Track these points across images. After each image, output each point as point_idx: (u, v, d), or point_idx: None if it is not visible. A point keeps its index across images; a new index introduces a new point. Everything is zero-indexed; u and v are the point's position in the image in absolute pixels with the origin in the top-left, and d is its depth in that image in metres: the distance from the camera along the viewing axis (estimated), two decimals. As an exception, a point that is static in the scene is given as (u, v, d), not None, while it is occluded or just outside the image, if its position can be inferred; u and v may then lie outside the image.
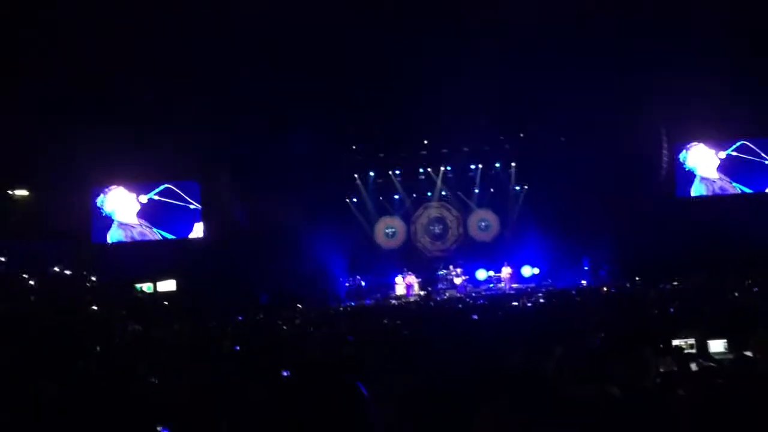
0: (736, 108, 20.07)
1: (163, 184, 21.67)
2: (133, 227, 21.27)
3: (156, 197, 21.29)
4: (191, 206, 21.26)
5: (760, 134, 22.04)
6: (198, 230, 21.46)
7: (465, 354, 5.91)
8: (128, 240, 21.35)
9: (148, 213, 21.49)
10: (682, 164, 22.13)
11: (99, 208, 21.39)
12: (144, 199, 21.38)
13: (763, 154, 21.49)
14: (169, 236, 21.44)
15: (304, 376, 6.02)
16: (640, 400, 4.89)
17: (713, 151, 22.01)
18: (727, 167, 21.90)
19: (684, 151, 22.00)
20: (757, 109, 20.27)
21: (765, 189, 21.80)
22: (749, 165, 21.65)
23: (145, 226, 21.33)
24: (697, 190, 21.99)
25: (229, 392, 5.35)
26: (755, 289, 12.63)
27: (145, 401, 5.11)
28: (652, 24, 18.31)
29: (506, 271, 21.97)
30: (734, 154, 21.74)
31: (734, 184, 21.83)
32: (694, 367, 6.38)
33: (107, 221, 21.45)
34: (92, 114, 18.36)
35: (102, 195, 21.25)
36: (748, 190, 21.82)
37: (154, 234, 21.33)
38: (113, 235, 21.30)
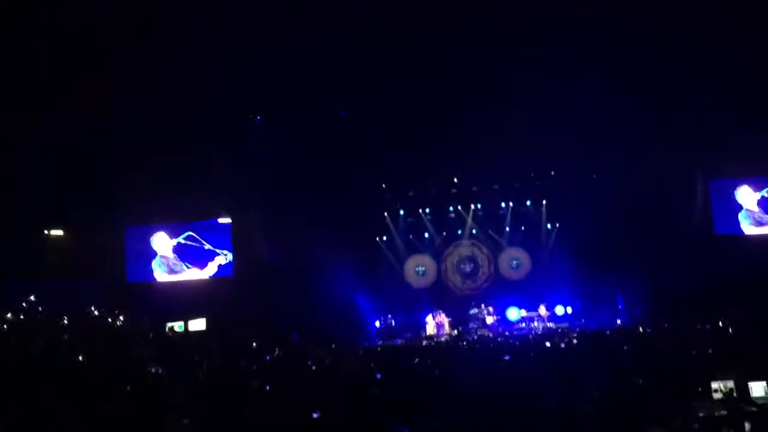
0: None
1: (195, 222, 22.05)
2: (169, 259, 21.74)
3: (183, 241, 21.75)
4: (206, 246, 21.71)
5: None
6: (212, 268, 21.75)
7: (498, 397, 5.81)
8: (166, 271, 21.67)
9: (177, 250, 21.94)
10: (719, 200, 21.74)
11: (138, 246, 21.76)
12: (174, 241, 21.81)
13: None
14: (193, 269, 21.69)
15: (334, 417, 5.98)
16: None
17: (751, 188, 21.75)
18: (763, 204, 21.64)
19: (736, 188, 21.72)
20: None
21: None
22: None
23: (177, 260, 21.72)
24: (743, 217, 21.60)
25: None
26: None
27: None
28: (686, 60, 18.19)
29: (543, 310, 21.66)
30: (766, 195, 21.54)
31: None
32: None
33: (144, 259, 21.75)
34: (127, 152, 18.74)
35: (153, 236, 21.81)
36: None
37: (182, 267, 21.68)
38: (156, 265, 21.78)
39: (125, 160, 18.52)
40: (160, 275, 21.81)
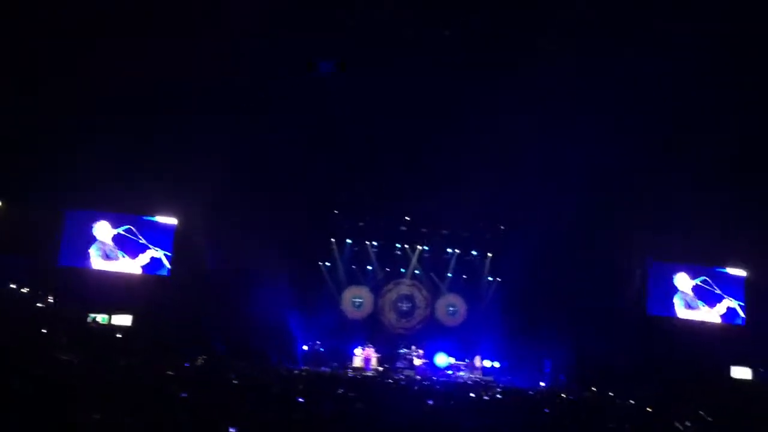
0: (707, 236, 20.76)
1: (137, 216, 21.52)
2: (107, 245, 21.19)
3: (122, 232, 21.30)
4: (140, 241, 21.21)
5: (723, 263, 22.83)
6: (143, 259, 21.29)
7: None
8: (101, 256, 21.03)
9: (116, 239, 21.43)
10: (656, 282, 22.53)
11: (76, 230, 21.16)
12: (114, 231, 21.31)
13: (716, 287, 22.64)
14: (126, 258, 21.19)
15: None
16: None
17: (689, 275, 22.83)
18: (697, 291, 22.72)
19: (674, 273, 22.77)
20: (722, 240, 21.01)
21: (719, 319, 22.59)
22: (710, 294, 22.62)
23: (114, 248, 21.23)
24: (678, 299, 22.56)
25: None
26: (709, 419, 12.55)
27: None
28: (636, 147, 18.91)
29: (479, 362, 21.80)
30: (699, 283, 22.68)
31: (700, 302, 22.63)
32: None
33: (81, 244, 21.10)
34: (77, 136, 18.32)
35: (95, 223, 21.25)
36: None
37: (117, 255, 21.13)
38: (93, 249, 21.14)
39: (74, 142, 18.12)
40: (96, 260, 21.13)
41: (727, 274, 22.68)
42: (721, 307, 22.37)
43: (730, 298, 22.46)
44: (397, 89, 18.09)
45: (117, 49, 16.47)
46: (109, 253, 21.20)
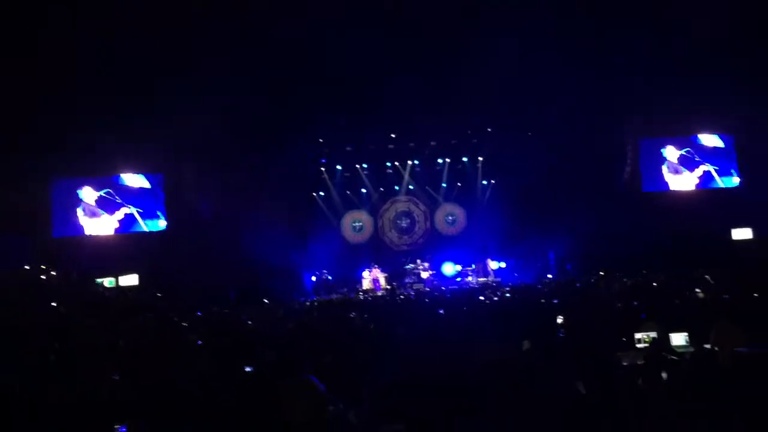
0: (693, 107, 20.77)
1: (116, 178, 21.71)
2: (89, 205, 21.47)
3: (103, 194, 21.57)
4: (117, 200, 21.54)
5: (715, 130, 23.19)
6: (119, 215, 21.61)
7: (433, 349, 5.92)
8: (87, 215, 21.29)
9: (99, 200, 21.69)
10: (647, 158, 22.77)
11: (64, 199, 21.24)
12: (97, 194, 21.51)
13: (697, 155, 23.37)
14: (104, 215, 21.53)
15: (270, 372, 5.97)
16: (603, 395, 4.94)
17: (675, 147, 23.35)
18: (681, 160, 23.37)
19: (663, 147, 23.27)
20: (711, 109, 21.06)
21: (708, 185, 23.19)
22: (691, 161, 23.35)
23: (96, 207, 21.53)
24: (665, 167, 23.19)
25: (193, 388, 5.26)
26: (712, 283, 12.87)
27: (106, 399, 5.00)
28: (618, 26, 18.55)
29: (491, 263, 22.13)
30: (683, 153, 23.27)
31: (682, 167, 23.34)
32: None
33: (71, 212, 21.20)
34: (55, 100, 17.98)
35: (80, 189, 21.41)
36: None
37: (99, 213, 21.48)
38: (79, 209, 21.39)
39: (53, 108, 17.81)
40: (83, 219, 21.36)
41: (703, 144, 23.27)
42: (699, 171, 23.08)
43: (707, 164, 23.07)
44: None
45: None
46: (93, 211, 21.50)
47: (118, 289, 18.98)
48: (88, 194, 21.46)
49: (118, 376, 6.22)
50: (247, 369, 6.25)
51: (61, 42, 16.85)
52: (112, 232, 21.46)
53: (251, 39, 17.96)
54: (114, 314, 13.05)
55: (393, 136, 23.54)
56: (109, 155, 20.66)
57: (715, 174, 23.04)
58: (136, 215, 21.63)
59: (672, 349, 7.11)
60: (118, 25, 16.74)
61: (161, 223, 21.72)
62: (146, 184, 21.84)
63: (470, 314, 10.55)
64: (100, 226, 21.43)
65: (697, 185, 23.04)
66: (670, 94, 19.91)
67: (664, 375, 5.71)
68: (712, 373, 4.80)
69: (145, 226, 21.63)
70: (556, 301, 11.59)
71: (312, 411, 2.20)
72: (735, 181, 22.98)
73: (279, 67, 19.08)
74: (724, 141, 23.12)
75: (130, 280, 19.68)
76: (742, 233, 21.01)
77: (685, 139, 23.20)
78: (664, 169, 23.07)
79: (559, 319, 8.53)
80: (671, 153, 23.10)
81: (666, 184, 23.06)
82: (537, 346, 5.99)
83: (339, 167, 24.02)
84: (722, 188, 22.96)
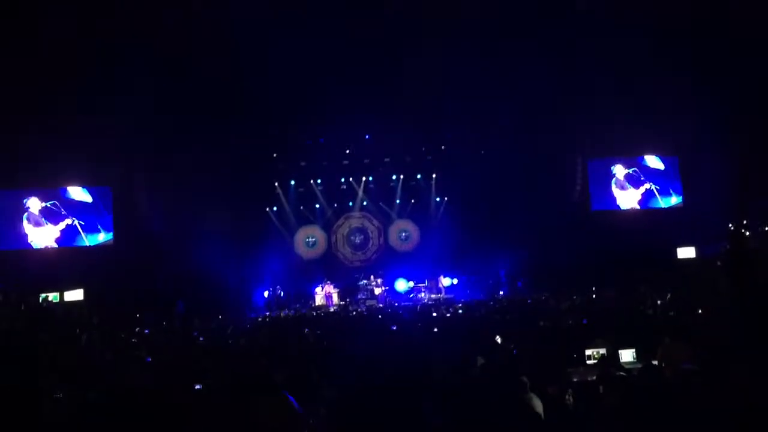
0: (641, 128, 21.49)
1: (62, 191, 21.34)
2: (34, 215, 21.12)
3: (48, 205, 21.29)
4: (62, 212, 21.28)
5: (659, 152, 24.01)
6: (61, 225, 21.27)
7: (388, 364, 5.90)
8: (32, 224, 20.94)
9: (43, 210, 21.34)
10: (595, 178, 23.51)
11: (8, 211, 20.87)
12: (42, 204, 21.23)
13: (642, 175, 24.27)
14: (48, 225, 21.22)
15: (223, 389, 5.86)
16: (556, 409, 5.00)
17: (624, 166, 24.16)
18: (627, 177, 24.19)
19: (612, 166, 24.05)
20: (656, 130, 21.89)
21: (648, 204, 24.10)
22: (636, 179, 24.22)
23: (41, 217, 21.21)
24: (613, 183, 23.96)
25: (143, 403, 5.12)
26: (659, 302, 13.20)
27: (52, 416, 4.83)
28: (572, 47, 19.04)
29: (443, 280, 22.26)
30: (630, 172, 24.13)
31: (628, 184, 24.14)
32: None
33: (16, 224, 20.81)
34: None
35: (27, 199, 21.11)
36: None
37: (43, 222, 21.17)
38: (24, 218, 21.09)
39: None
40: (27, 228, 20.98)
41: (648, 165, 24.17)
42: (642, 189, 23.97)
43: (650, 183, 23.99)
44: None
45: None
46: (38, 221, 21.14)
47: (63, 305, 18.39)
48: (35, 204, 21.08)
49: (61, 394, 6.02)
50: (197, 387, 6.12)
51: (8, 49, 16.47)
52: (53, 243, 21.01)
53: (207, 53, 17.79)
54: (58, 330, 12.68)
55: (348, 152, 23.56)
56: (56, 167, 20.27)
57: (656, 193, 23.95)
58: (78, 228, 21.27)
59: (621, 366, 7.26)
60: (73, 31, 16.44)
61: (101, 237, 21.34)
62: (88, 199, 21.50)
63: (424, 330, 10.57)
64: (43, 236, 21.00)
65: (639, 202, 23.89)
66: (618, 116, 20.56)
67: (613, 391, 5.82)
68: (659, 389, 4.91)
69: (86, 239, 21.22)
70: (507, 317, 11.72)
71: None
72: (673, 201, 23.90)
73: (234, 80, 18.95)
74: (665, 163, 24.04)
75: (76, 295, 19.09)
76: (686, 252, 21.62)
77: (632, 159, 23.95)
78: (613, 184, 23.85)
79: (498, 339, 8.61)
80: (619, 171, 23.95)
81: (615, 201, 23.71)
82: (491, 361, 6.03)
83: (293, 182, 23.88)
84: (668, 208, 23.74)
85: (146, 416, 4.16)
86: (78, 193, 21.43)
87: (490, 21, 17.88)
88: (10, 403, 4.46)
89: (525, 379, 5.14)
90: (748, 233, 19.88)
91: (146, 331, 14.28)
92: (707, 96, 18.82)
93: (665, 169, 24.03)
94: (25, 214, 20.93)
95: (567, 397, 5.82)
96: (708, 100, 18.96)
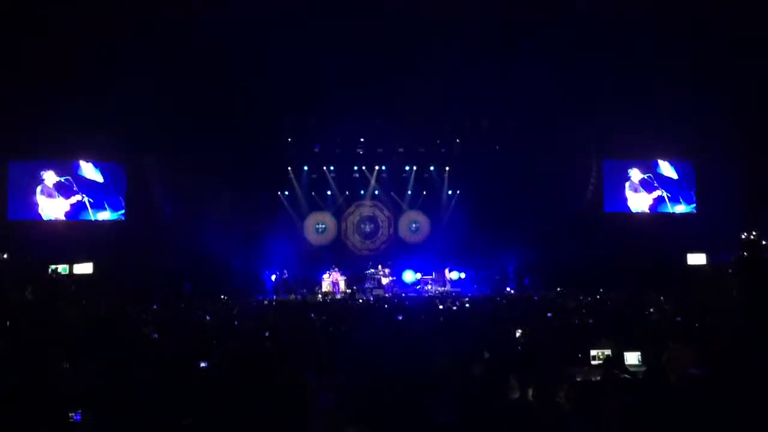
0: (656, 131, 21.33)
1: (76, 167, 21.45)
2: (49, 188, 21.24)
3: (62, 180, 21.42)
4: (74, 188, 21.42)
5: (674, 156, 24.02)
6: (72, 200, 21.42)
7: (390, 354, 5.91)
8: (45, 195, 21.06)
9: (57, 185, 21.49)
10: (610, 179, 23.54)
11: (22, 181, 20.90)
12: (57, 179, 21.32)
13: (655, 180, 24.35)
14: (60, 198, 21.36)
15: (226, 368, 5.90)
16: (555, 408, 4.99)
17: (640, 170, 24.14)
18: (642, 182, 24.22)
19: (628, 168, 24.02)
20: (672, 133, 21.74)
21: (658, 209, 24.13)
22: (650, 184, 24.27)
23: (53, 190, 21.31)
24: (627, 186, 23.94)
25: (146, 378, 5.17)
26: (666, 307, 13.13)
27: (57, 384, 4.88)
28: (589, 48, 18.88)
29: (449, 273, 22.24)
30: (645, 177, 24.14)
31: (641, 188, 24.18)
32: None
33: (29, 195, 20.86)
34: (18, 81, 17.63)
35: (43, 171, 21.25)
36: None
37: (56, 195, 21.30)
38: (38, 190, 21.17)
39: (15, 90, 17.46)
40: (40, 198, 21.08)
41: (662, 172, 24.21)
42: (655, 194, 24.02)
43: (662, 189, 23.98)
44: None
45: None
46: (50, 193, 21.27)
47: (73, 276, 18.53)
48: (50, 177, 21.20)
49: (68, 364, 6.08)
50: (202, 364, 6.17)
51: (23, 27, 16.52)
52: (62, 216, 21.14)
53: (219, 37, 17.75)
54: (68, 300, 12.79)
55: (362, 140, 23.54)
56: (70, 141, 20.35)
57: (667, 200, 23.95)
58: (87, 205, 21.40)
59: (625, 368, 7.23)
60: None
61: (106, 214, 21.46)
62: (100, 178, 21.66)
63: (430, 322, 10.58)
64: (54, 208, 21.15)
65: (650, 206, 23.88)
66: (634, 117, 20.43)
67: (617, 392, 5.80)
68: (663, 392, 4.89)
69: (92, 215, 21.35)
70: (514, 314, 11.70)
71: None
72: (680, 208, 23.91)
73: (248, 65, 18.90)
74: (679, 172, 24.04)
75: (85, 268, 19.24)
76: (696, 258, 21.51)
77: (647, 163, 23.88)
78: (627, 186, 23.78)
79: (518, 333, 8.60)
80: (635, 174, 23.91)
81: (626, 203, 23.62)
82: (496, 357, 6.04)
83: (306, 168, 23.90)
84: (680, 213, 23.65)
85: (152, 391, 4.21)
86: (90, 172, 21.55)
87: (510, 19, 17.79)
88: (29, 372, 4.52)
89: (514, 381, 5.12)
90: (764, 242, 19.75)
91: (154, 306, 14.39)
92: (725, 99, 18.74)
93: (678, 178, 24.05)
94: (40, 186, 21.04)
95: (561, 395, 5.82)
96: (727, 107, 18.84)
